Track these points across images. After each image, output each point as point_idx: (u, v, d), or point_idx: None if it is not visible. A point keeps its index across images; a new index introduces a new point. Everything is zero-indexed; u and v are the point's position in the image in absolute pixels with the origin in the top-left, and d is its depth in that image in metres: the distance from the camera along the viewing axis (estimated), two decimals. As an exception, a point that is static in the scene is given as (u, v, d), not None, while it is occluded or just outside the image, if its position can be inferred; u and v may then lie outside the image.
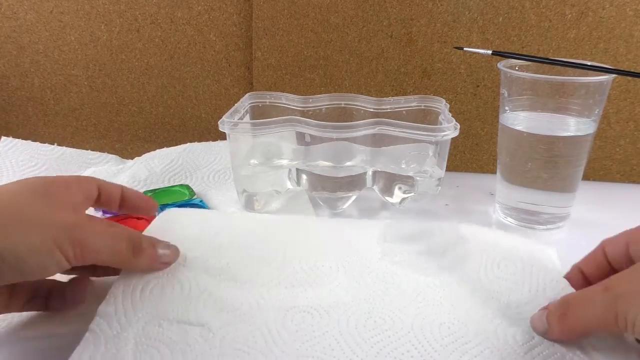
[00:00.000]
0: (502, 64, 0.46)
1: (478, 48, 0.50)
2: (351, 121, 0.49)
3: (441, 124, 0.49)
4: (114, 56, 0.66)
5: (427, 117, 0.52)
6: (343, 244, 0.37)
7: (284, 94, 0.54)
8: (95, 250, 0.27)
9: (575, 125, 0.45)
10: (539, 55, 0.53)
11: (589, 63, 0.43)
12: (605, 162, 0.59)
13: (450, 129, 0.45)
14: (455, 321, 0.30)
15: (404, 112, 0.53)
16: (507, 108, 0.47)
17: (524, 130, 0.45)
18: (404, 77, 0.60)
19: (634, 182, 0.59)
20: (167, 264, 0.31)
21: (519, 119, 0.46)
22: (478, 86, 0.58)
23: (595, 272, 0.30)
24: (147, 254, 0.30)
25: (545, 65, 0.45)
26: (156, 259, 0.31)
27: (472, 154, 0.62)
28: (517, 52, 0.53)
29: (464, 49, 0.47)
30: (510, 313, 0.30)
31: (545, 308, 0.28)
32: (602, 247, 0.30)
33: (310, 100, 0.53)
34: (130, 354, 0.27)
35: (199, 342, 0.28)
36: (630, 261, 0.28)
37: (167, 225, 0.36)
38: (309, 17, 0.59)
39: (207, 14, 0.63)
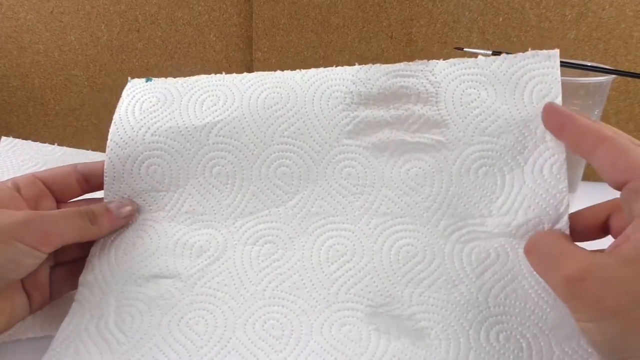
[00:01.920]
0: (502, 65, 0.46)
1: (478, 48, 0.49)
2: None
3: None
4: (114, 56, 0.66)
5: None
6: (302, 120, 0.32)
7: (284, 94, 0.54)
8: (57, 233, 0.29)
9: (575, 126, 0.45)
10: (538, 56, 0.53)
11: (588, 63, 0.43)
12: (605, 163, 0.59)
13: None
14: (414, 240, 0.29)
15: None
16: (507, 108, 0.47)
17: (524, 130, 0.45)
18: (404, 78, 0.60)
19: (633, 182, 0.59)
20: (128, 217, 0.33)
21: (518, 120, 0.46)
22: (478, 86, 0.58)
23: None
24: (103, 218, 0.32)
25: (545, 65, 0.44)
26: (115, 220, 0.32)
27: (472, 154, 0.62)
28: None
29: (464, 49, 0.47)
30: (473, 223, 0.29)
31: None
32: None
33: (310, 100, 0.53)
34: (112, 316, 0.29)
35: (173, 293, 0.30)
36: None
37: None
38: (309, 18, 0.59)
39: (207, 14, 0.63)
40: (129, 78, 0.37)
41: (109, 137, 0.34)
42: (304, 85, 0.33)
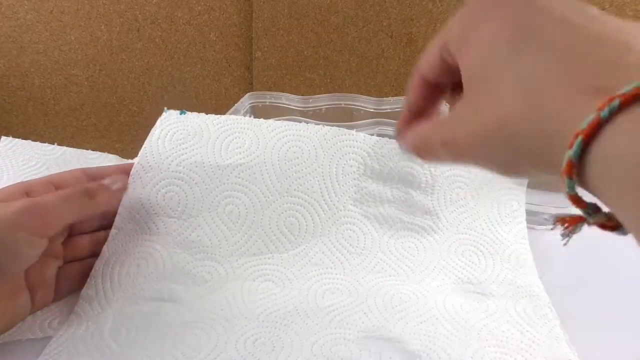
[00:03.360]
0: (502, 64, 0.46)
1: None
2: (351, 121, 0.49)
3: (441, 124, 0.49)
4: (114, 56, 0.66)
5: (427, 117, 0.52)
6: (317, 179, 0.36)
7: (284, 94, 0.54)
8: (56, 214, 0.28)
9: (575, 126, 0.45)
10: (538, 56, 0.53)
11: (588, 63, 0.43)
12: (605, 163, 0.59)
13: (450, 129, 0.45)
14: (407, 291, 0.32)
15: (404, 112, 0.53)
16: (507, 108, 0.47)
17: (524, 130, 0.45)
18: (404, 77, 0.60)
19: (633, 182, 0.59)
20: (122, 189, 0.33)
21: (518, 119, 0.46)
22: (478, 86, 0.59)
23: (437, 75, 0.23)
24: (100, 191, 0.31)
25: (545, 65, 0.45)
26: (111, 192, 0.32)
27: (472, 154, 0.62)
28: (517, 53, 0.54)
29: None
30: (465, 287, 0.33)
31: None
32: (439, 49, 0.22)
33: (310, 100, 0.53)
34: (108, 328, 0.30)
35: (170, 314, 0.31)
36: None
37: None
38: (309, 17, 0.59)
39: (207, 14, 0.63)
40: (165, 108, 0.39)
41: (137, 160, 0.36)
42: (325, 144, 0.37)
